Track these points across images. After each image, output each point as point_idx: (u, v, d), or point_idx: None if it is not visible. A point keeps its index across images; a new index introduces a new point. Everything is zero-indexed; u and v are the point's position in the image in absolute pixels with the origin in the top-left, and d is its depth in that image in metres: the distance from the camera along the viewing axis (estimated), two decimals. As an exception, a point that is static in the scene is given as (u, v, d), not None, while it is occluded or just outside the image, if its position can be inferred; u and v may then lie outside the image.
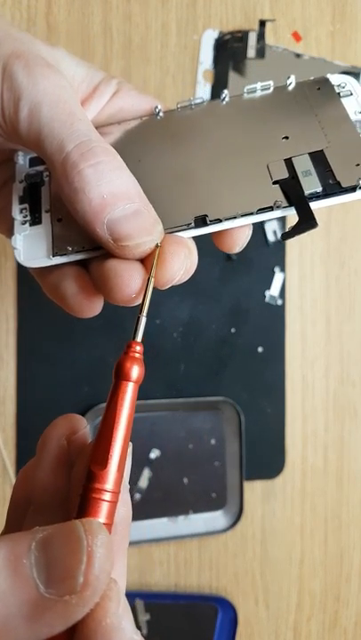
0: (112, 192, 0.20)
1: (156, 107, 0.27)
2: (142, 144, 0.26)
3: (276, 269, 0.46)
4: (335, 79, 0.27)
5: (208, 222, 0.23)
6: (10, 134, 0.22)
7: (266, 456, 0.46)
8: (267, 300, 0.46)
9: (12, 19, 0.41)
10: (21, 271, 0.42)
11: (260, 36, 0.45)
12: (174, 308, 0.44)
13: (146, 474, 0.44)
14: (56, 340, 0.43)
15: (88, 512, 0.17)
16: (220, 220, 0.23)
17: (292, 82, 0.27)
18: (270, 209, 0.23)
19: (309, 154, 0.24)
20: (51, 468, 0.19)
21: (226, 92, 0.27)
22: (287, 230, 0.23)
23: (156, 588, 0.44)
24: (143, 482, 0.43)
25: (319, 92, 0.26)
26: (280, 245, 0.46)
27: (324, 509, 0.48)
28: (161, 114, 0.27)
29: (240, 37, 0.45)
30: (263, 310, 0.46)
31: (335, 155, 0.24)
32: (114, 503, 0.17)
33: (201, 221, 0.23)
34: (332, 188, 0.23)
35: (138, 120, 0.27)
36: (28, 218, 0.25)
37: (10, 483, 0.42)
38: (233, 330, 0.45)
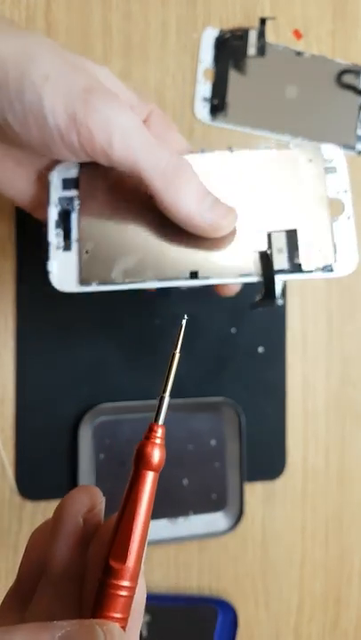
0: (198, 190, 0.27)
1: None
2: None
3: (277, 269, 0.46)
4: (326, 151, 0.29)
5: (199, 277, 0.27)
6: (100, 156, 0.25)
7: (266, 457, 0.46)
8: (267, 299, 0.46)
9: (12, 17, 0.41)
10: (21, 271, 0.41)
11: (261, 34, 0.44)
12: (174, 307, 0.44)
13: (145, 475, 0.43)
14: (55, 340, 0.43)
15: (106, 608, 0.17)
16: (208, 277, 0.27)
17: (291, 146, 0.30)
18: (249, 275, 0.27)
19: (286, 231, 0.28)
20: (66, 544, 0.19)
21: (233, 148, 0.30)
22: (254, 302, 0.28)
23: (156, 589, 0.44)
24: (143, 483, 0.43)
25: (310, 165, 0.29)
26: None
27: (325, 511, 0.47)
28: None
29: (240, 35, 0.44)
30: (264, 310, 0.46)
31: (305, 236, 0.28)
32: (131, 597, 0.17)
33: (195, 275, 0.27)
34: (295, 267, 0.27)
35: None
36: (62, 244, 0.27)
37: (9, 485, 0.41)
38: (233, 330, 0.45)
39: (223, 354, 0.45)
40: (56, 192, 0.28)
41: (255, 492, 0.46)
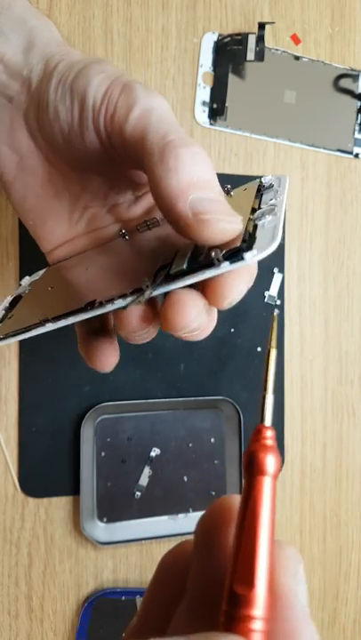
0: (201, 178, 0.22)
1: (122, 230, 0.30)
2: (96, 259, 0.30)
3: (275, 270, 0.46)
4: (267, 179, 0.29)
5: (95, 307, 0.25)
6: (111, 134, 0.25)
7: (265, 455, 0.46)
8: (266, 300, 0.46)
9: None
10: (23, 271, 0.42)
11: (260, 39, 0.45)
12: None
13: (146, 472, 0.44)
14: (57, 339, 0.43)
15: None
16: (102, 304, 0.25)
17: (228, 189, 0.29)
18: (141, 290, 0.24)
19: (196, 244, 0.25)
20: (215, 567, 0.16)
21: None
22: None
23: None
24: (143, 480, 0.44)
25: (244, 192, 0.28)
26: (279, 247, 0.46)
27: (323, 508, 0.48)
28: (127, 237, 0.30)
29: (239, 40, 0.45)
30: (262, 310, 0.46)
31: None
32: (267, 633, 0.14)
33: (91, 305, 0.25)
34: (196, 266, 0.23)
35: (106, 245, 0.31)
36: None
37: (12, 482, 0.42)
38: (232, 330, 0.46)
39: (222, 353, 0.46)
40: (22, 289, 0.33)
41: (254, 489, 0.46)
